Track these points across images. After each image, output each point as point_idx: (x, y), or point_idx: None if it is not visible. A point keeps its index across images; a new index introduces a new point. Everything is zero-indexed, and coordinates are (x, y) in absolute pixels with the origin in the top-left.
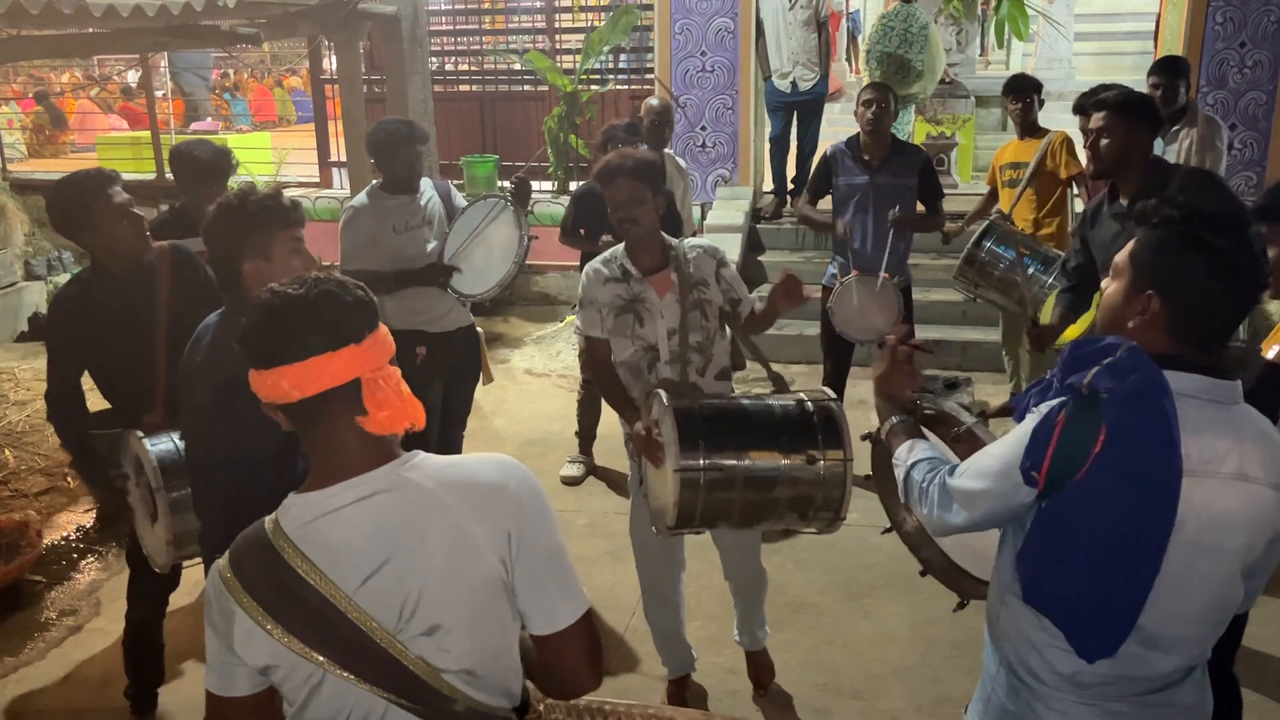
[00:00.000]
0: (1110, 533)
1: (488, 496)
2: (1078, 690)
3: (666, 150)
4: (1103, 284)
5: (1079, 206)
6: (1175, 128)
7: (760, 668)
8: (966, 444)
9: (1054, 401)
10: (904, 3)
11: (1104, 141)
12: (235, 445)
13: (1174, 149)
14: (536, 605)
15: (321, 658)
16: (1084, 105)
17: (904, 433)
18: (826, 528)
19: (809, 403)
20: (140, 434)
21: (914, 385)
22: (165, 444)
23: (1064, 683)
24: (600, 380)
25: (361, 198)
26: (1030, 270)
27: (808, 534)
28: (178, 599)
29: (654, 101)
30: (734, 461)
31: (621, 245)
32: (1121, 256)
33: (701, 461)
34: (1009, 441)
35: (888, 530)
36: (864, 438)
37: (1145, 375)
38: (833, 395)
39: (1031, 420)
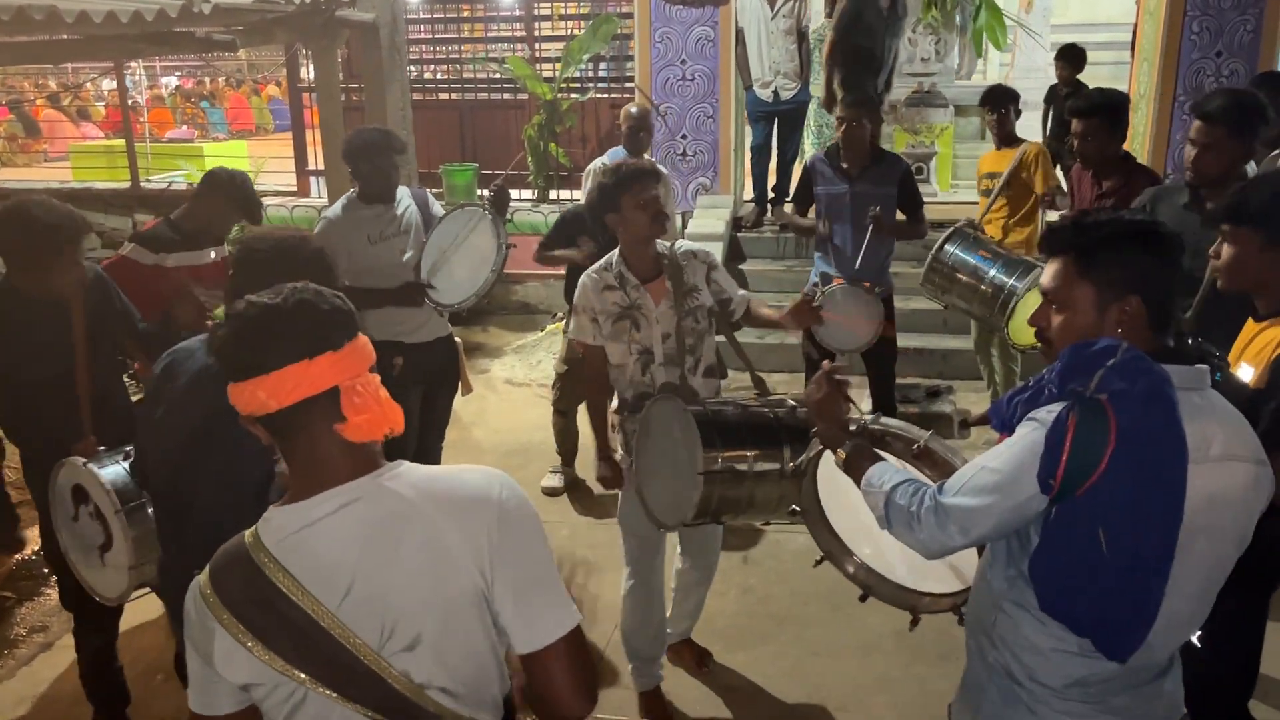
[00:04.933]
0: (1129, 533)
1: (468, 507)
2: (1083, 690)
3: (645, 157)
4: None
5: (1052, 216)
6: (1275, 153)
7: (699, 650)
8: (926, 460)
9: (1057, 407)
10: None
11: (1209, 156)
12: (222, 473)
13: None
14: (518, 618)
15: (304, 675)
16: (1079, 110)
17: (866, 458)
18: None
19: (799, 407)
20: (83, 461)
21: (848, 408)
22: (115, 468)
23: (1071, 687)
24: (592, 390)
25: (336, 208)
26: (992, 274)
27: (792, 545)
28: (150, 613)
29: (633, 109)
30: (747, 461)
31: (616, 252)
32: (1059, 290)
33: (719, 461)
34: (1011, 453)
35: (820, 561)
36: (793, 470)
37: (1155, 374)
38: None
39: (1034, 429)
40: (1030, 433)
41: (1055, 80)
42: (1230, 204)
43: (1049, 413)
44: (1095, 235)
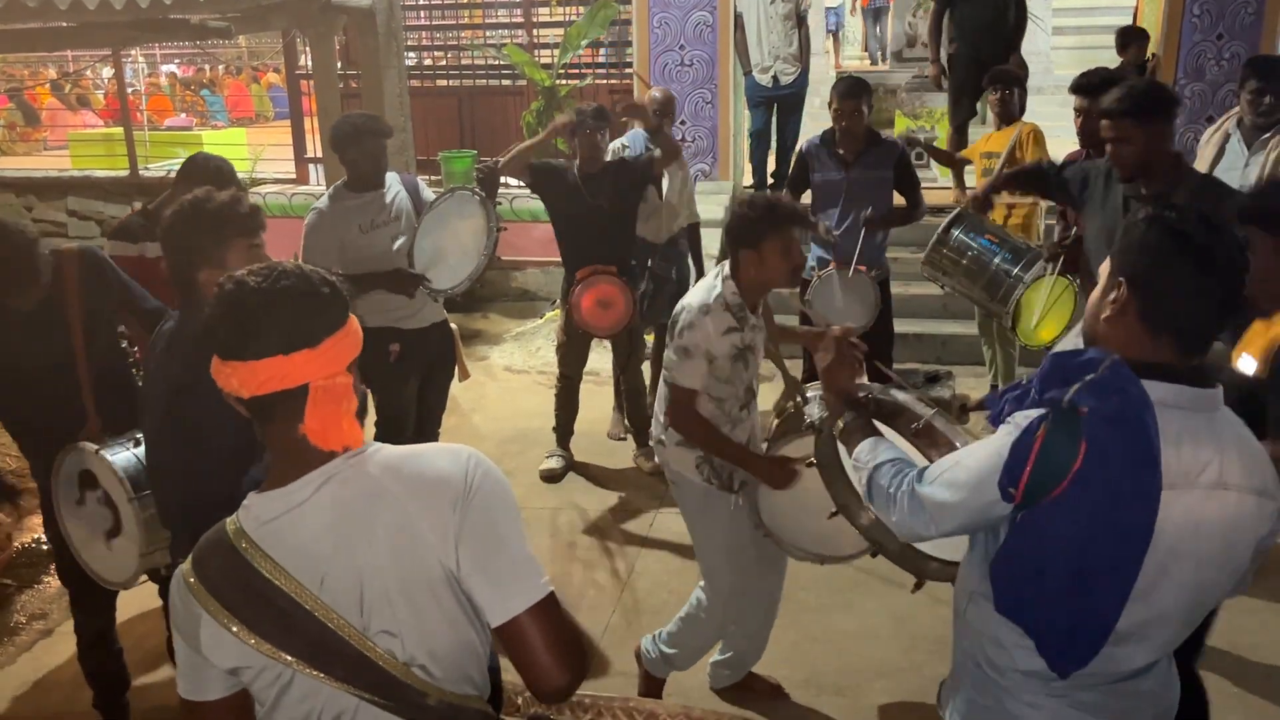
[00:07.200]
0: (1086, 550)
1: (435, 485)
2: (1045, 684)
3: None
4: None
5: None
6: (1266, 135)
7: (766, 679)
8: (926, 437)
9: (1033, 414)
10: None
11: (1123, 149)
12: (188, 449)
13: (1259, 158)
14: (486, 591)
15: (290, 658)
16: (1082, 86)
17: (860, 431)
18: None
19: None
20: (94, 447)
21: (858, 377)
22: (123, 453)
23: (1031, 678)
24: (708, 429)
25: (325, 199)
26: (997, 260)
27: None
28: (149, 600)
29: (656, 93)
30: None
31: (724, 285)
32: (1107, 260)
33: None
34: (984, 453)
35: (833, 514)
36: (807, 428)
37: (1129, 395)
38: None
39: (1008, 433)
40: (1004, 436)
41: (1091, 66)
42: (1247, 207)
43: (1025, 418)
44: (1136, 220)
